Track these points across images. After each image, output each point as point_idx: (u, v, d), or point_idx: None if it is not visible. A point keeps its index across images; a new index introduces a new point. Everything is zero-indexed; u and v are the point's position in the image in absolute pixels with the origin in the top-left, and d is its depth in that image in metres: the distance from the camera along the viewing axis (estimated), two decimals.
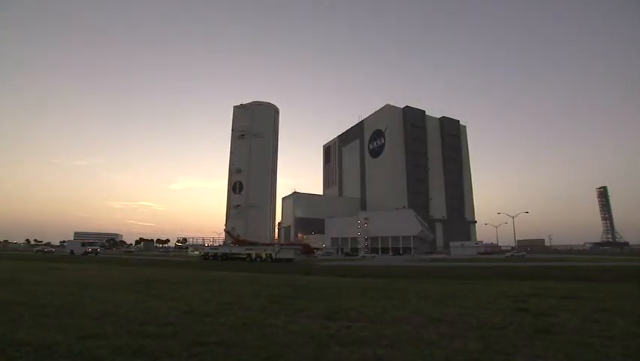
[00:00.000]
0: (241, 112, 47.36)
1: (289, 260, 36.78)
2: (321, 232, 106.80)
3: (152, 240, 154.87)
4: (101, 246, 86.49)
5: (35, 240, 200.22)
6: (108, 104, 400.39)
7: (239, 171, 44.72)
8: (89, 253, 50.81)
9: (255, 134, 45.44)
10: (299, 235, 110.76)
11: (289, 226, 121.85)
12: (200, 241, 53.64)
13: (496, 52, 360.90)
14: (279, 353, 3.98)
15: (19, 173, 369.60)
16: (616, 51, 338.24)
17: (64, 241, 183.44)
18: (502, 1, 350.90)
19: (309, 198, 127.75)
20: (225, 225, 44.57)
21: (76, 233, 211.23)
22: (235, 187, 44.66)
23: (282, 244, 41.35)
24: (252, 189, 43.91)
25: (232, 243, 41.83)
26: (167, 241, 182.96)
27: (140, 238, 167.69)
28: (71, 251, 53.19)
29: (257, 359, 3.83)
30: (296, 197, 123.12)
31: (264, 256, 37.44)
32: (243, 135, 45.83)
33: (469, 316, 6.20)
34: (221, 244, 45.07)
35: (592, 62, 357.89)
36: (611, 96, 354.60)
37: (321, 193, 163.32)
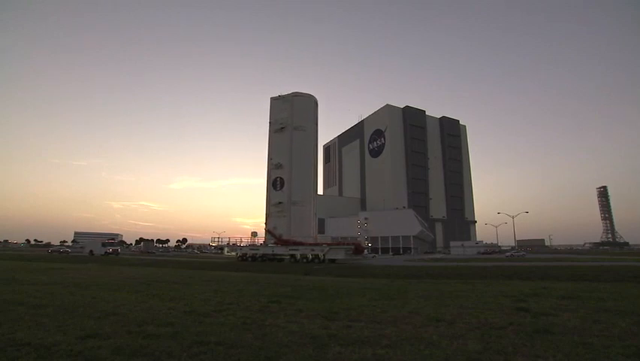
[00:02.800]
0: (279, 103, 44.40)
1: (332, 261, 34.01)
2: (321, 231, 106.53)
3: (152, 240, 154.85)
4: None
5: (35, 240, 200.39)
6: (108, 104, 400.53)
7: (279, 166, 41.85)
8: (109, 253, 47.83)
9: (295, 127, 42.58)
10: None
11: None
12: (231, 241, 47.14)
13: (497, 52, 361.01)
14: (279, 353, 3.98)
15: (19, 173, 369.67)
16: (616, 51, 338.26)
17: (64, 241, 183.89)
18: (502, 1, 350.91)
19: None
20: (265, 224, 41.66)
21: (76, 233, 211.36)
22: (275, 183, 41.61)
23: (330, 244, 37.84)
24: (294, 186, 41.07)
25: (274, 243, 38.83)
26: (167, 241, 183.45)
27: (140, 238, 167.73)
28: (90, 252, 50.08)
29: (257, 359, 3.83)
30: None
31: (310, 256, 34.73)
32: (282, 128, 42.87)
33: (469, 316, 6.20)
34: (260, 244, 41.28)
35: (592, 62, 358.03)
36: (611, 96, 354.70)
37: (321, 193, 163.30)
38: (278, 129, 43.31)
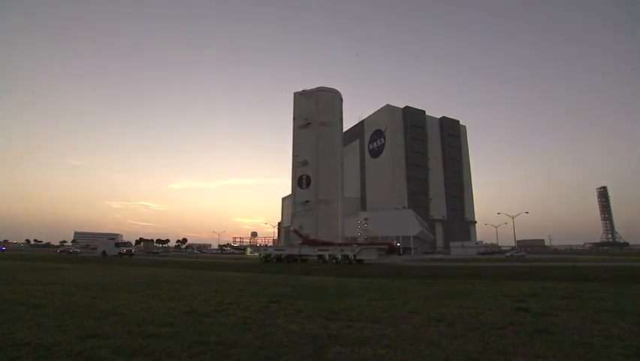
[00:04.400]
0: (303, 99, 43.51)
1: (359, 261, 32.75)
2: None
3: (152, 240, 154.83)
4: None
5: (35, 240, 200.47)
6: (108, 104, 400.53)
7: (305, 163, 40.88)
8: (123, 254, 46.33)
9: (322, 123, 41.57)
10: None
11: (289, 226, 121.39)
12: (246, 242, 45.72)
13: (497, 51, 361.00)
14: (279, 353, 3.98)
15: (18, 173, 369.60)
16: (617, 50, 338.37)
17: (64, 241, 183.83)
18: (502, 1, 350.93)
19: None
20: (291, 224, 40.71)
21: (76, 233, 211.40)
22: (301, 181, 40.57)
23: (362, 244, 36.24)
24: (321, 184, 40.07)
25: (301, 243, 37.44)
26: (167, 241, 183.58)
27: (140, 238, 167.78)
28: (103, 252, 48.25)
29: (257, 359, 3.83)
30: None
31: (339, 257, 33.55)
32: (308, 124, 41.90)
33: (469, 316, 6.19)
34: (278, 243, 39.86)
35: (592, 62, 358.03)
36: (611, 96, 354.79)
37: None
38: (303, 125, 42.34)
